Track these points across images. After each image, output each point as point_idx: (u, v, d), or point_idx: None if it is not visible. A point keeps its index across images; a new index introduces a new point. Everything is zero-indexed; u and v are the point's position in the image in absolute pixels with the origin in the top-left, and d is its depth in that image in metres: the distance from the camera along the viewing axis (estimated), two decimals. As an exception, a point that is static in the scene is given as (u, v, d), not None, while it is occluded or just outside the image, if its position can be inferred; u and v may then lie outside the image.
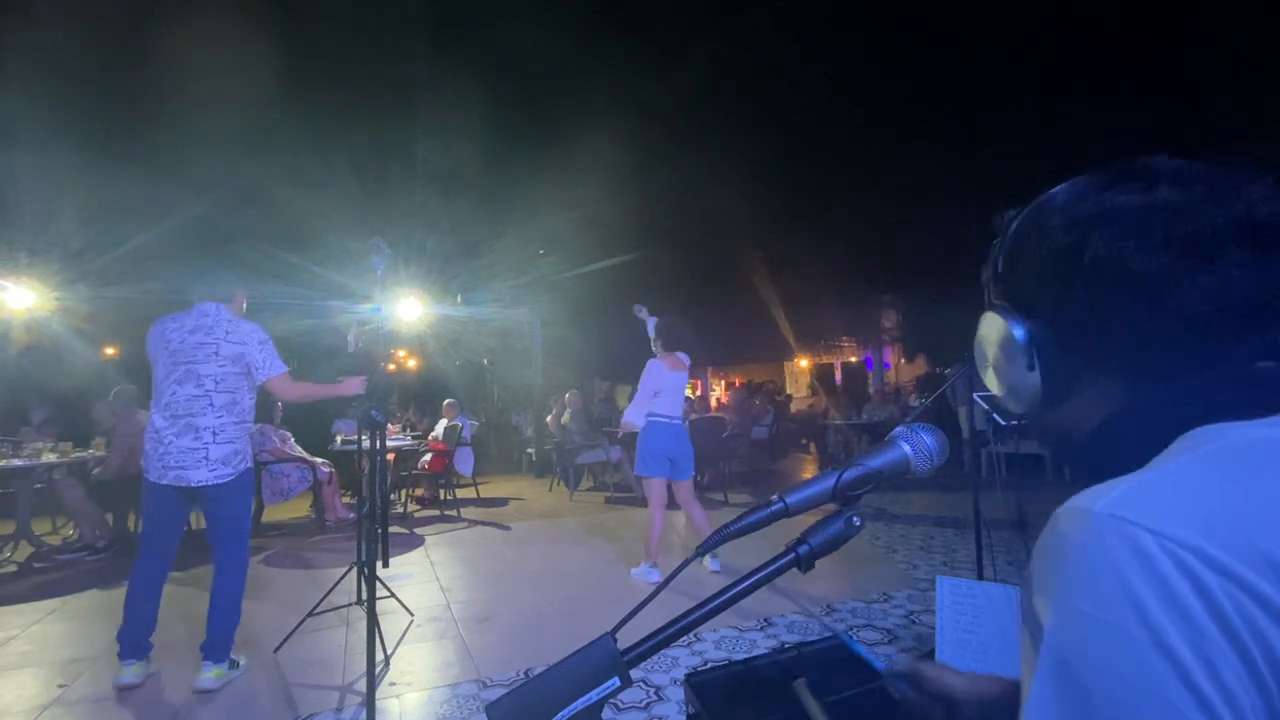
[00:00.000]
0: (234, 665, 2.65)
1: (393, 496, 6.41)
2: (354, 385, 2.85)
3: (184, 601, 3.41)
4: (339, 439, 6.23)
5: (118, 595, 3.76)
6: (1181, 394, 0.43)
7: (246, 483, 2.72)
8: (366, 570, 2.47)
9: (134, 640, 2.56)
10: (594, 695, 0.50)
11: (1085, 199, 0.47)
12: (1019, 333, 0.49)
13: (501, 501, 6.97)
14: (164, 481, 2.52)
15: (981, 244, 0.57)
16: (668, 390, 4.01)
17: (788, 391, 15.89)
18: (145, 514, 2.66)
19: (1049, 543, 0.37)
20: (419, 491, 7.06)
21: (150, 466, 2.56)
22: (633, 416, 4.06)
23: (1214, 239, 0.42)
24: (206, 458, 2.55)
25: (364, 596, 2.82)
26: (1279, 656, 0.30)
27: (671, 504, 4.06)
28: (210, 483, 2.55)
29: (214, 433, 2.57)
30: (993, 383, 0.55)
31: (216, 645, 2.57)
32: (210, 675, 2.54)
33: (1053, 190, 0.51)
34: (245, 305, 2.88)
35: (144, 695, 2.56)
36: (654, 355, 4.09)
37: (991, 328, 0.53)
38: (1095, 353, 0.47)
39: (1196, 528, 0.33)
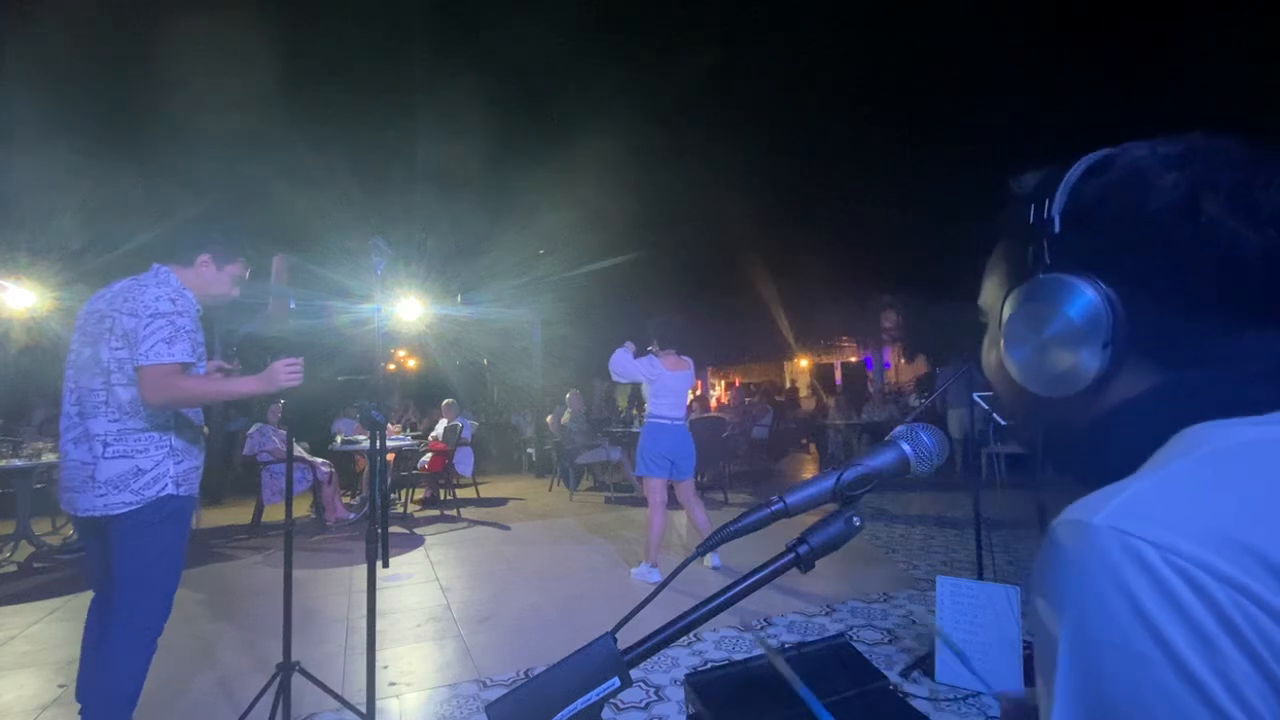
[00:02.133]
0: None
1: (393, 496, 6.41)
2: (278, 377, 2.00)
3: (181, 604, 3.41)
4: (339, 439, 6.24)
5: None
6: (1206, 382, 0.41)
7: (166, 515, 1.89)
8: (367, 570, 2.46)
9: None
10: (594, 695, 0.50)
11: (1182, 164, 0.43)
12: (1100, 300, 0.44)
13: (501, 501, 6.97)
14: (63, 508, 1.92)
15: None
16: (669, 391, 3.99)
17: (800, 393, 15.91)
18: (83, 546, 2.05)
19: (1051, 557, 0.36)
20: (419, 496, 7.06)
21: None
22: (619, 356, 4.02)
23: None
24: (92, 478, 1.83)
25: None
26: None
27: (672, 503, 4.06)
28: (99, 513, 1.82)
29: (105, 443, 1.84)
30: (1034, 363, 0.48)
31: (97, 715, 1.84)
32: None
33: (1117, 149, 0.47)
34: (223, 275, 2.09)
35: (145, 698, 2.55)
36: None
37: (1058, 293, 0.45)
38: (1163, 328, 0.43)
39: (1198, 538, 0.32)
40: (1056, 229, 0.47)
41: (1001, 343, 0.51)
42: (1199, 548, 0.32)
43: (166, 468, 1.90)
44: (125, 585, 1.85)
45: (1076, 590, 0.34)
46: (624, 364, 4.00)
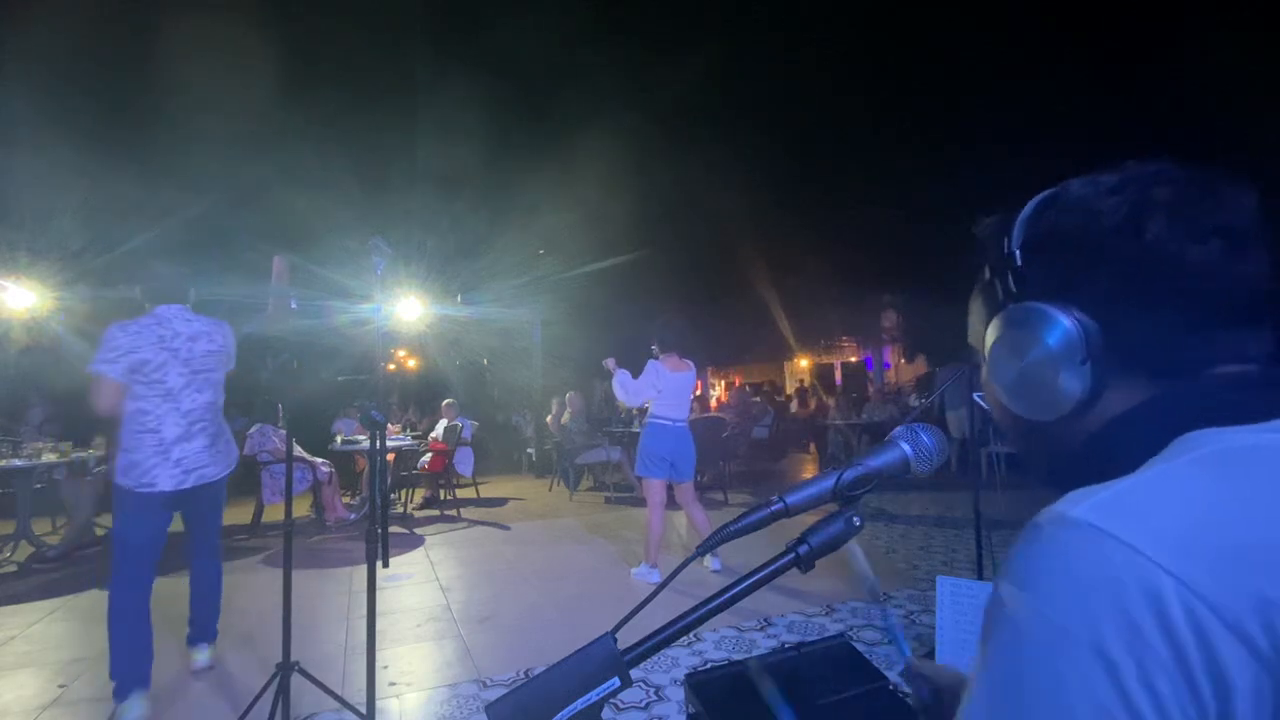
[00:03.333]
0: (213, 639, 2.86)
1: (393, 496, 6.41)
2: None
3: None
4: (339, 439, 6.23)
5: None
6: (1199, 392, 0.43)
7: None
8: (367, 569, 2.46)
9: (136, 672, 2.36)
10: (594, 695, 0.50)
11: (1121, 190, 0.46)
12: (1070, 321, 0.46)
13: (501, 501, 6.97)
14: (185, 487, 2.49)
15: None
16: (670, 391, 3.98)
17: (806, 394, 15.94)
18: (134, 528, 2.44)
19: (1024, 539, 0.38)
20: (419, 496, 7.06)
21: (161, 478, 2.44)
22: (622, 385, 4.01)
23: (1246, 231, 0.44)
24: (216, 451, 2.66)
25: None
26: (1223, 668, 0.30)
27: (672, 504, 4.06)
28: (223, 474, 2.70)
29: (218, 428, 2.71)
30: (1020, 389, 0.50)
31: (209, 627, 2.80)
32: (208, 654, 2.79)
33: (1061, 186, 0.50)
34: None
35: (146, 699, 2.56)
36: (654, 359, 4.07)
37: (1030, 320, 0.48)
38: (1132, 342, 0.45)
39: (1161, 534, 0.34)
40: (1019, 262, 0.50)
41: (989, 373, 0.53)
42: (1156, 542, 0.33)
43: (231, 440, 2.80)
44: (219, 524, 2.80)
45: (1035, 572, 0.36)
46: (630, 389, 4.00)
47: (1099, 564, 0.34)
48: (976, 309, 0.57)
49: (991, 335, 0.52)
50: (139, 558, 2.45)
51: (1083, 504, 0.37)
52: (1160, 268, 0.44)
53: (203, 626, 2.78)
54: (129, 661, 2.35)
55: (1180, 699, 0.31)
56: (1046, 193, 0.51)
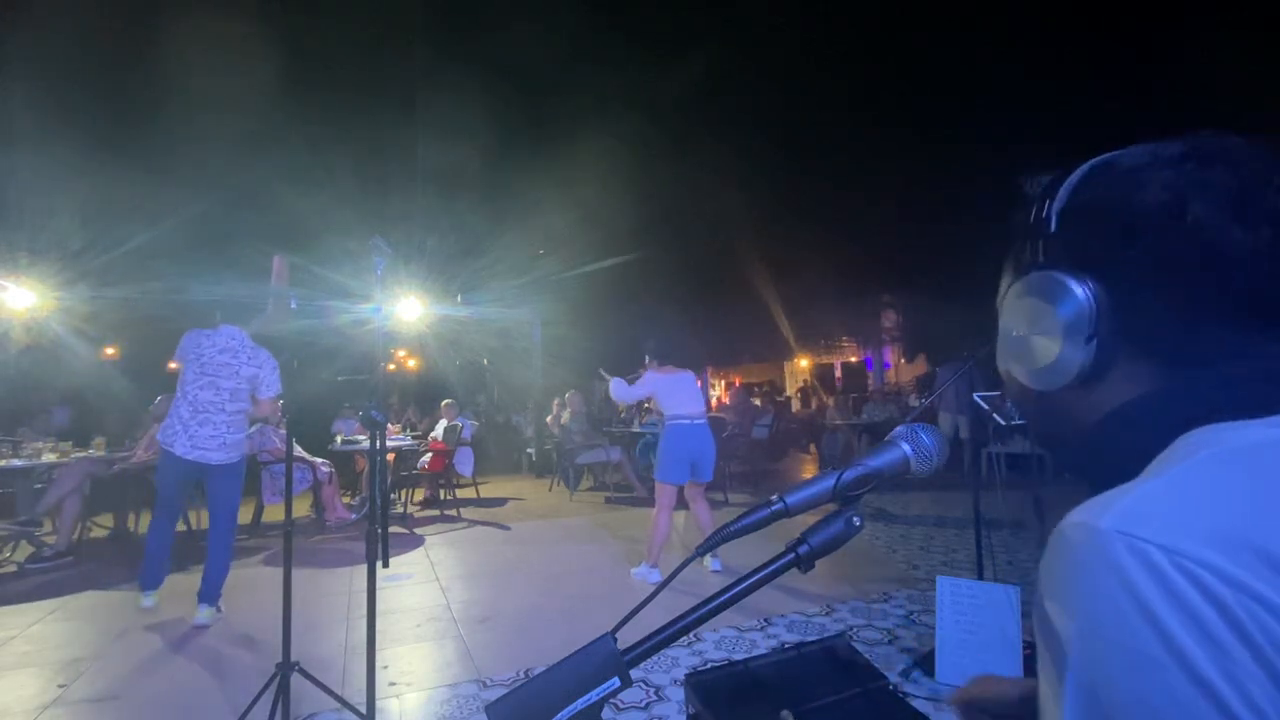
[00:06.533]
0: (219, 610, 3.41)
1: (393, 496, 6.41)
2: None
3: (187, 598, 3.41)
4: (339, 439, 6.23)
5: (117, 596, 3.78)
6: (1210, 383, 0.41)
7: (244, 466, 3.54)
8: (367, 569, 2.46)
9: (154, 576, 3.34)
10: (594, 695, 0.50)
11: (1177, 164, 0.43)
12: (1084, 295, 0.44)
13: (501, 501, 6.97)
14: (189, 457, 3.27)
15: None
16: (673, 391, 3.95)
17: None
18: (164, 481, 3.39)
19: (1058, 560, 0.36)
20: (419, 497, 7.06)
21: (177, 444, 3.26)
22: (616, 387, 4.12)
23: None
24: (223, 444, 3.36)
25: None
26: None
27: (678, 503, 4.04)
28: (223, 462, 3.37)
29: (228, 427, 3.37)
30: (1024, 356, 0.49)
31: (211, 592, 3.33)
32: (206, 615, 3.30)
33: (1121, 152, 0.47)
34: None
35: (146, 699, 2.56)
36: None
37: (1046, 289, 0.47)
38: (1151, 326, 0.43)
39: (1204, 539, 0.32)
40: (1053, 228, 0.48)
41: (999, 334, 0.52)
42: (1205, 549, 0.32)
43: (242, 442, 3.50)
44: (230, 506, 3.46)
45: (1087, 594, 0.34)
46: (624, 394, 4.09)
47: (1153, 575, 0.32)
48: (1007, 269, 0.55)
49: (1009, 298, 0.51)
50: (166, 502, 3.40)
51: (1109, 513, 0.35)
52: (1197, 253, 0.41)
53: (206, 589, 3.33)
54: (151, 571, 3.33)
55: (1275, 705, 0.29)
56: (1101, 158, 0.48)
